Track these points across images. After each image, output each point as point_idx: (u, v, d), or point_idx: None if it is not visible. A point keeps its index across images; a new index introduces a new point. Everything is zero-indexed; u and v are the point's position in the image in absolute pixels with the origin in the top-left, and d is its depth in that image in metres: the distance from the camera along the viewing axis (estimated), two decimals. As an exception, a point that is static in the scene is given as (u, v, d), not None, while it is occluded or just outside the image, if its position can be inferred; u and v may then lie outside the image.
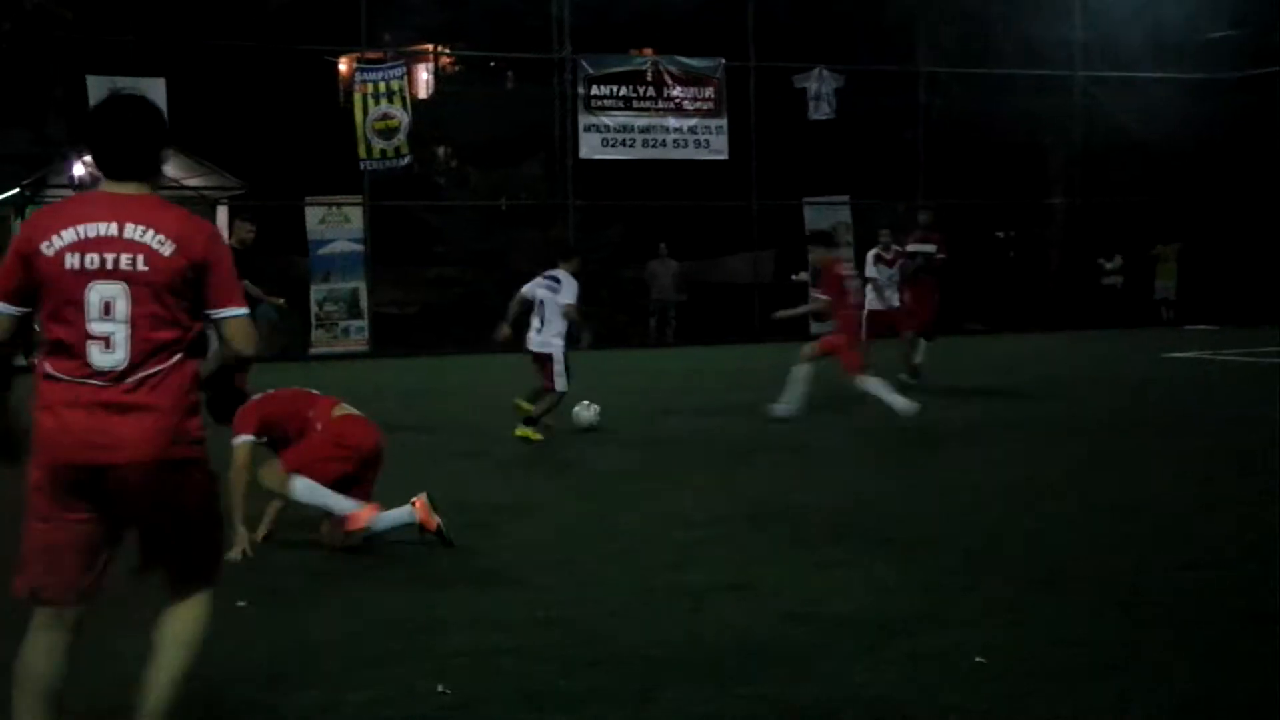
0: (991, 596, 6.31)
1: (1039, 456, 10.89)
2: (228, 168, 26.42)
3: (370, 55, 24.84)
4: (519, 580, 6.82)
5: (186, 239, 4.05)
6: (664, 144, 25.91)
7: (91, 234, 3.97)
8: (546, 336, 12.46)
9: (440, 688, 5.08)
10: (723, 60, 26.30)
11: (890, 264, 16.22)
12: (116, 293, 3.96)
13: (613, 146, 25.66)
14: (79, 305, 3.95)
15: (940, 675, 5.16)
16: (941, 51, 28.22)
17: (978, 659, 5.32)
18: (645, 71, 25.93)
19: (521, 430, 12.13)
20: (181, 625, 4.21)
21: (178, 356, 4.05)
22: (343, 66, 29.35)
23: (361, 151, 23.60)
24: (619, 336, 25.40)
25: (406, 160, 24.22)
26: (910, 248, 16.69)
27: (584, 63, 25.40)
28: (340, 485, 7.47)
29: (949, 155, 27.95)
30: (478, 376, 18.76)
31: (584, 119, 25.36)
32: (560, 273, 12.64)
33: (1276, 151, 28.17)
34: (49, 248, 3.96)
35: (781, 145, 26.60)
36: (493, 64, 29.01)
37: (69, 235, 3.97)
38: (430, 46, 28.42)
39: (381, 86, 23.83)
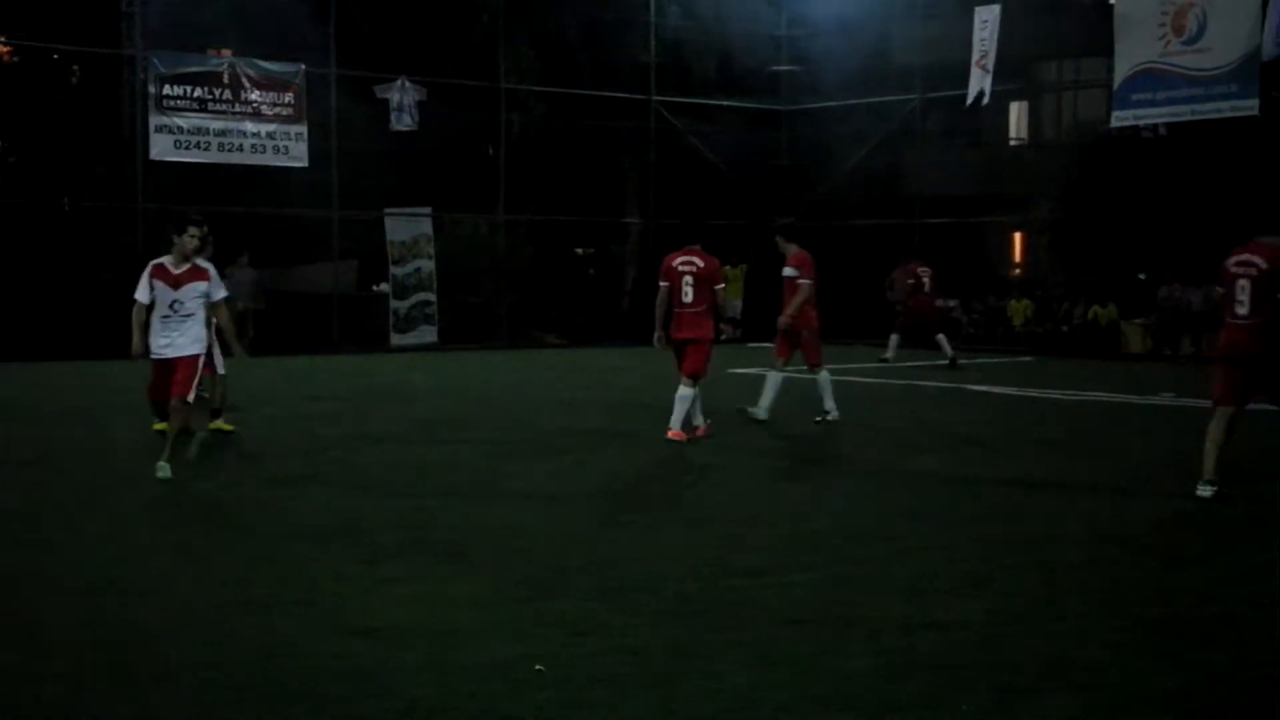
0: (553, 608, 6.49)
1: (600, 468, 11.28)
2: None
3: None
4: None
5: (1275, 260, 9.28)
6: (241, 148, 25.18)
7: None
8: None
9: None
10: (303, 66, 25.83)
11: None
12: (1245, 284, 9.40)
13: (186, 149, 24.71)
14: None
15: (501, 685, 5.28)
16: (523, 69, 28.74)
17: (537, 667, 5.48)
18: (222, 73, 25.12)
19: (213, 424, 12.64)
20: None
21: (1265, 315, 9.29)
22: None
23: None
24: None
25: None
26: None
27: (156, 60, 24.39)
28: None
29: (530, 171, 28.50)
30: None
31: (155, 119, 24.34)
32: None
33: (827, 178, 30.26)
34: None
35: (363, 155, 26.39)
36: (56, 56, 27.35)
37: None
38: (-17, 34, 26.53)
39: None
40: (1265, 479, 10.39)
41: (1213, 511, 9.25)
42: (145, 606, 6.47)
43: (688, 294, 12.67)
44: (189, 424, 10.87)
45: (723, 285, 12.98)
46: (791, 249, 14.16)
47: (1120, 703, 5.15)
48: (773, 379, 14.11)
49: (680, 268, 12.77)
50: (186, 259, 10.36)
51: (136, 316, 10.37)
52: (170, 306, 10.27)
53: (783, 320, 13.92)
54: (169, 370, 10.31)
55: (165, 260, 10.38)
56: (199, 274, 10.37)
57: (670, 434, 12.44)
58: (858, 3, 29.29)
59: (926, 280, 22.94)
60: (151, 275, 10.36)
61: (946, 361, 22.12)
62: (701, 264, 12.75)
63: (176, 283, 10.31)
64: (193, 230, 10.35)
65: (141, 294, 10.36)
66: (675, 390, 12.63)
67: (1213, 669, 5.62)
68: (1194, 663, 5.69)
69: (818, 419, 13.97)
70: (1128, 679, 5.44)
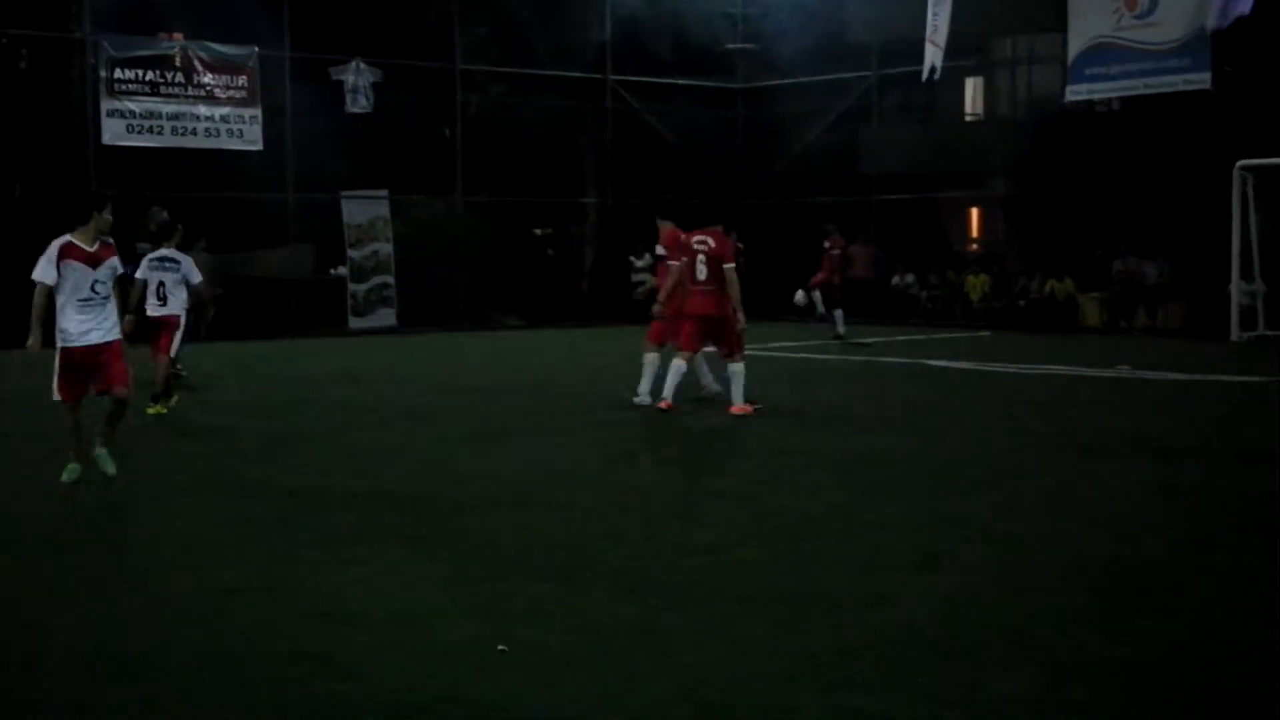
0: (513, 590, 6.51)
1: (560, 449, 11.29)
2: None
3: None
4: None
5: None
6: (195, 132, 24.98)
7: None
8: (174, 307, 13.19)
9: None
10: (256, 49, 25.62)
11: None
12: None
13: (139, 133, 24.48)
14: None
15: (462, 666, 5.30)
16: (478, 50, 28.61)
17: (500, 647, 5.50)
18: (174, 56, 24.87)
19: (153, 408, 12.93)
20: None
21: None
22: None
23: None
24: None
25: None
26: None
27: (107, 44, 24.15)
28: None
29: (486, 152, 28.38)
30: None
31: (107, 103, 24.10)
32: (172, 252, 13.37)
33: (784, 155, 30.31)
34: None
35: (318, 138, 26.20)
36: (4, 40, 27.05)
37: None
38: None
39: None
40: (1222, 454, 10.52)
41: (1167, 483, 9.35)
42: (104, 597, 6.44)
43: (701, 272, 13.11)
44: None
45: (732, 265, 13.14)
46: (665, 227, 13.85)
47: (1077, 674, 5.21)
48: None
49: (695, 246, 13.20)
50: (100, 235, 9.35)
51: (40, 302, 9.16)
52: (91, 289, 9.18)
53: (656, 309, 13.76)
54: (93, 357, 9.22)
55: (75, 238, 9.21)
56: (110, 250, 9.38)
57: (732, 409, 12.90)
58: (812, -20, 29.32)
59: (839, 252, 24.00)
60: (62, 256, 9.10)
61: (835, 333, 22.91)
62: (714, 243, 13.13)
63: (95, 261, 9.20)
64: (110, 206, 9.41)
65: (47, 275, 9.10)
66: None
67: (1169, 639, 5.69)
68: (1150, 634, 5.76)
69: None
70: (1084, 651, 5.50)
